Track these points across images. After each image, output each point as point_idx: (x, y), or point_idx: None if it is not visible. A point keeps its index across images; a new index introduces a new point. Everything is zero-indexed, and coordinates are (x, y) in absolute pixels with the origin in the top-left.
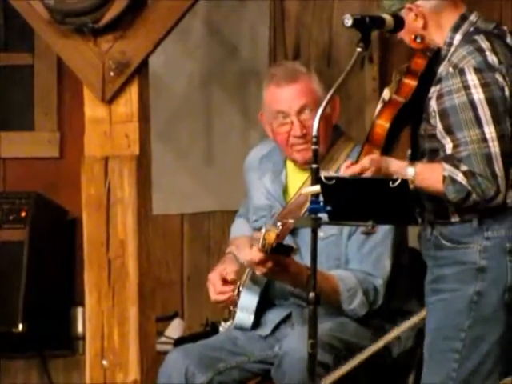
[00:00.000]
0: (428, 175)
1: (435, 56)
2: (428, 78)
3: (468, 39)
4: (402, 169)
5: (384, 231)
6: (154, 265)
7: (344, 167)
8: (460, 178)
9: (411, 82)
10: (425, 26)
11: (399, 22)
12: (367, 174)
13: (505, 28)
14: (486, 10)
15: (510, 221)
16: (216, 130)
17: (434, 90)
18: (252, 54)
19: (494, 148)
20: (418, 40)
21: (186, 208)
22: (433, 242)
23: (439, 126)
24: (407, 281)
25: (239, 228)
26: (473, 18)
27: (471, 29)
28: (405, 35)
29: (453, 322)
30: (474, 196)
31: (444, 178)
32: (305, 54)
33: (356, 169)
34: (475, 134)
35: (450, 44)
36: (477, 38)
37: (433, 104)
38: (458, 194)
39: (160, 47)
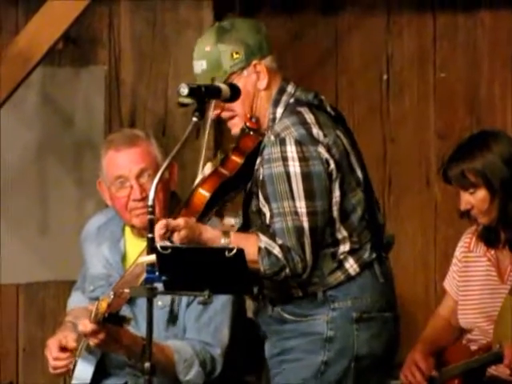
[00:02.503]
0: (242, 245)
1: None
2: (255, 159)
3: (291, 110)
4: (217, 238)
5: (223, 301)
6: None
7: (159, 225)
8: (277, 251)
9: (237, 160)
10: (268, 86)
11: (235, 92)
12: (179, 234)
13: (323, 97)
14: (322, 79)
15: (354, 291)
16: (51, 201)
17: (259, 161)
18: (87, 124)
19: (305, 223)
20: (254, 120)
21: (21, 278)
22: (275, 317)
23: (260, 194)
24: (246, 351)
25: (76, 300)
26: (290, 89)
27: (291, 100)
28: (241, 104)
29: None
30: (286, 270)
31: (260, 249)
32: (140, 123)
33: (169, 225)
34: (288, 206)
35: (273, 119)
36: (301, 109)
37: (259, 173)
38: (273, 267)
39: None
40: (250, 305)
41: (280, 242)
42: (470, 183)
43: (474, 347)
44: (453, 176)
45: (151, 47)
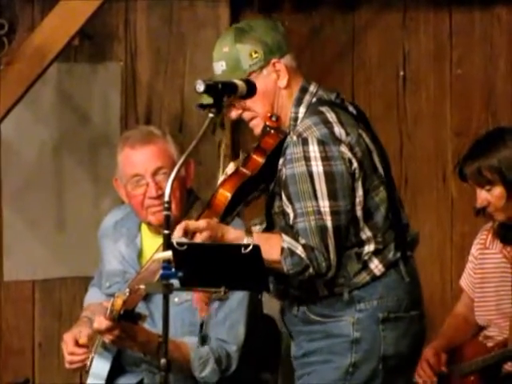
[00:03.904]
0: (265, 245)
1: (285, 139)
2: (277, 158)
3: (313, 110)
4: (239, 238)
5: (239, 298)
6: (5, 332)
7: (178, 227)
8: (300, 251)
9: (259, 159)
10: (288, 84)
11: (252, 88)
12: (201, 236)
13: (344, 96)
14: (339, 76)
15: (380, 291)
16: (67, 197)
17: (282, 161)
18: (103, 120)
19: (328, 222)
20: (274, 119)
21: (37, 274)
22: (300, 317)
23: (283, 195)
24: (262, 349)
25: (93, 296)
26: (312, 88)
27: (313, 99)
28: (262, 104)
29: None
30: (310, 270)
31: (283, 249)
32: (156, 119)
33: (190, 227)
34: (311, 206)
35: (295, 118)
36: (323, 109)
37: (281, 174)
38: (296, 267)
39: (11, 114)
40: (266, 302)
41: (303, 241)
42: (486, 180)
43: (490, 344)
44: (469, 173)
45: (167, 44)
